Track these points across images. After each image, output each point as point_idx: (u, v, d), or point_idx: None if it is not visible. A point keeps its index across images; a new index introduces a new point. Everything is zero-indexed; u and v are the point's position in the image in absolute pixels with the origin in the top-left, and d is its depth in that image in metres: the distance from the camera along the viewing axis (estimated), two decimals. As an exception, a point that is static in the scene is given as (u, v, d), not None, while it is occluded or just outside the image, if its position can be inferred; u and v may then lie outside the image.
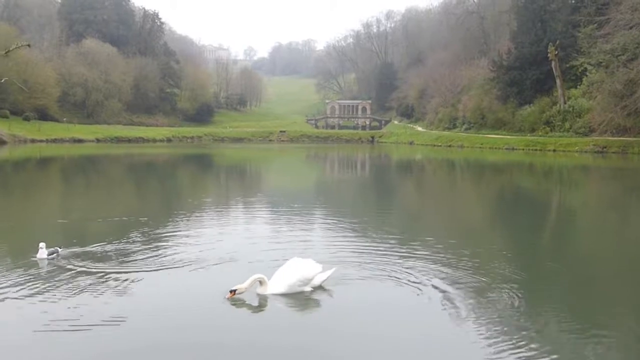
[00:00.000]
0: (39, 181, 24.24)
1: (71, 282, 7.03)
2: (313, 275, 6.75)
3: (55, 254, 8.19)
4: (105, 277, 7.29)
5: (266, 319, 6.11)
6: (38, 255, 8.02)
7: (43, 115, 69.66)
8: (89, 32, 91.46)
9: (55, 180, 25.13)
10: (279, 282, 6.57)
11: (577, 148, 47.66)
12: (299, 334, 5.56)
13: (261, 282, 6.47)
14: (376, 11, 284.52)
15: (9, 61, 53.88)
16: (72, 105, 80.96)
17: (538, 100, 58.98)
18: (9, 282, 6.95)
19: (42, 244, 8.10)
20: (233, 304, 6.24)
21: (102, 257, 8.38)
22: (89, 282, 7.06)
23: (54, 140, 60.26)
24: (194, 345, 5.19)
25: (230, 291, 6.25)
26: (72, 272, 7.51)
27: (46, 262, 7.95)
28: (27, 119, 65.15)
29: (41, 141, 58.49)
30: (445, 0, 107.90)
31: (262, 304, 6.35)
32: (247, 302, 6.31)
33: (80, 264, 7.94)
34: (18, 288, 6.73)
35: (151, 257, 8.42)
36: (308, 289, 6.71)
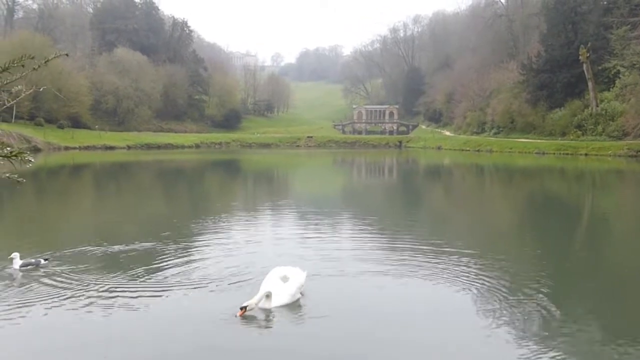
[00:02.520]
0: (70, 187, 24.83)
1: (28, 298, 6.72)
2: (304, 280, 6.78)
3: (33, 266, 7.83)
4: (71, 291, 6.93)
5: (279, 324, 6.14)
6: (13, 266, 7.74)
7: (76, 123, 71.32)
8: (120, 41, 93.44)
9: (86, 187, 25.70)
10: (280, 293, 6.38)
11: (610, 152, 46.55)
12: (337, 341, 5.58)
13: (267, 297, 6.23)
14: (403, 15, 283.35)
15: (44, 70, 55.29)
16: (103, 112, 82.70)
17: (569, 103, 57.92)
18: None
19: (14, 254, 7.81)
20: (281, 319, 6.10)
21: (94, 267, 8.12)
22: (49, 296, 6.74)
23: (87, 148, 61.62)
24: None
25: (241, 308, 5.96)
26: (34, 286, 7.12)
27: (20, 274, 7.59)
28: (61, 126, 66.80)
29: (74, 148, 59.88)
30: (473, 4, 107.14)
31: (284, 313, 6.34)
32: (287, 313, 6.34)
33: (59, 277, 7.51)
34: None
35: (153, 273, 7.94)
36: (299, 295, 6.67)
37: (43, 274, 7.66)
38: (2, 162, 2.13)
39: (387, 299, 6.83)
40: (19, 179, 2.25)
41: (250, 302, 6.04)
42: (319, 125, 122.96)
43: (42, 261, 8.03)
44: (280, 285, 6.49)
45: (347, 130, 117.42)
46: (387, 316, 6.19)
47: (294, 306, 6.44)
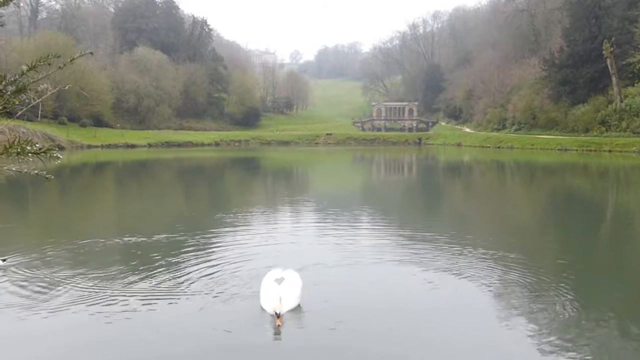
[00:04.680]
0: (93, 185, 25.19)
1: None
2: (301, 282, 6.47)
3: None
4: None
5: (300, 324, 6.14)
6: None
7: (98, 122, 72.26)
8: (141, 40, 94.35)
9: (109, 185, 26.05)
10: (287, 297, 6.10)
11: (634, 148, 45.70)
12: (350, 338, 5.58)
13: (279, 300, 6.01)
14: (423, 12, 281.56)
15: (67, 69, 56.01)
16: (125, 111, 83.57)
17: (592, 99, 56.98)
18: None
19: None
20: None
21: (101, 267, 7.98)
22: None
23: (109, 146, 62.37)
24: None
25: (277, 316, 5.73)
26: None
27: None
28: (83, 125, 67.78)
29: (96, 147, 60.66)
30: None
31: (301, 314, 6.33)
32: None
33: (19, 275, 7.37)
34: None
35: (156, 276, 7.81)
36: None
37: (51, 273, 7.59)
38: (31, 160, 2.17)
39: (405, 296, 6.79)
40: (47, 176, 2.29)
41: (278, 309, 5.79)
42: (338, 123, 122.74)
43: (1, 262, 7.82)
44: (283, 289, 6.18)
45: (366, 127, 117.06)
46: (404, 313, 6.17)
47: (302, 305, 6.30)
